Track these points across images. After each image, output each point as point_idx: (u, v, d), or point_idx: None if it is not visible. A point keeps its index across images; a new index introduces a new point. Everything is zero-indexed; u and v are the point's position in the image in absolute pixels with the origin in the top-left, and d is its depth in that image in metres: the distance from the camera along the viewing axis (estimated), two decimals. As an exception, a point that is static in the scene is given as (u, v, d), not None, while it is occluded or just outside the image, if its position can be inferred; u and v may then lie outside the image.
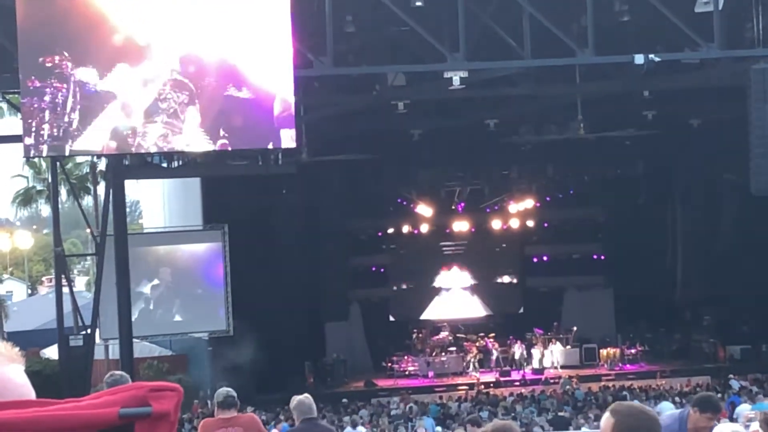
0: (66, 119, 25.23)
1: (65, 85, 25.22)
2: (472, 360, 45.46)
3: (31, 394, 2.25)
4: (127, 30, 25.67)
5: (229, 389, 10.81)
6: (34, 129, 25.21)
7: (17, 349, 2.34)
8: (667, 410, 28.89)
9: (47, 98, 25.14)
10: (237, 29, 26.25)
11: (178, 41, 26.17)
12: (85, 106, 25.44)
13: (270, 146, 27.82)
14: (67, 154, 26.75)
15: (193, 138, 26.48)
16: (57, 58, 25.12)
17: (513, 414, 33.10)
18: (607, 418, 4.64)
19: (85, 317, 33.93)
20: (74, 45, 25.40)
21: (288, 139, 27.06)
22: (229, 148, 27.54)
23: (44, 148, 25.76)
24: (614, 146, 43.71)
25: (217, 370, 41.15)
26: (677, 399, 33.59)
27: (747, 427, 10.12)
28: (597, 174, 47.93)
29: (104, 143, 26.01)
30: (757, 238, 43.47)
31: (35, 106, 25.18)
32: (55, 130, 25.27)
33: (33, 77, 25.16)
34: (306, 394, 11.11)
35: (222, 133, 26.43)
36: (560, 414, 32.54)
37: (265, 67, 26.42)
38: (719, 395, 34.24)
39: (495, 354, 45.96)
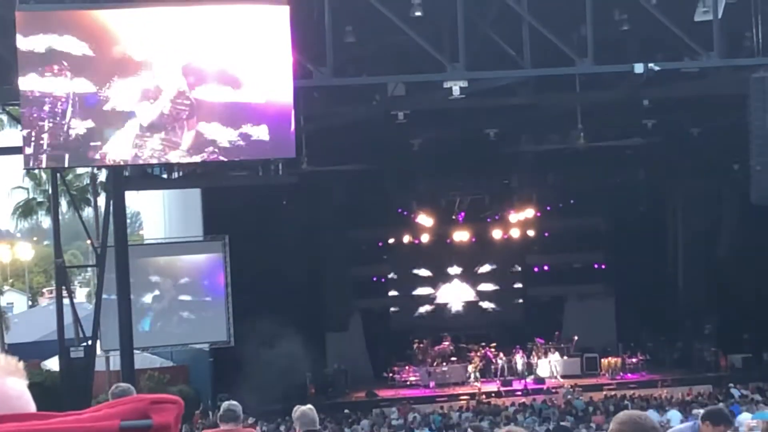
0: (65, 129, 25.19)
1: (64, 95, 25.20)
2: (474, 370, 45.43)
3: (28, 406, 2.24)
4: (126, 42, 25.66)
5: (231, 402, 10.89)
6: (33, 139, 25.18)
7: (19, 362, 2.33)
8: (675, 419, 28.89)
9: (47, 108, 25.10)
10: (237, 40, 26.25)
11: (178, 53, 26.17)
12: (85, 116, 25.42)
13: (270, 156, 27.80)
14: (66, 164, 26.70)
15: (191, 149, 26.45)
16: (56, 68, 25.10)
17: (514, 424, 33.06)
18: (610, 426, 4.73)
19: (86, 329, 33.93)
20: (74, 56, 25.39)
21: (288, 149, 27.04)
22: (225, 159, 27.49)
23: (43, 157, 25.72)
24: (614, 155, 43.74)
25: (218, 381, 41.15)
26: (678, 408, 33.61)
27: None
28: (597, 183, 47.89)
29: (103, 153, 25.98)
30: (758, 246, 43.48)
31: (34, 116, 25.15)
32: (54, 139, 25.24)
33: (32, 87, 25.15)
34: (310, 406, 11.16)
35: (220, 143, 26.40)
36: (562, 423, 32.51)
37: (265, 78, 26.42)
38: (721, 404, 34.27)
39: (497, 363, 45.94)
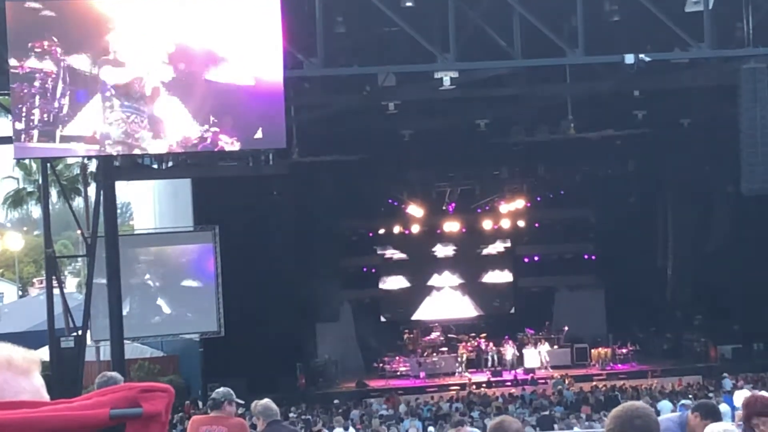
0: (56, 105, 25.21)
1: (55, 71, 25.18)
2: (461, 360, 45.44)
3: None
4: (117, 27, 25.62)
5: (219, 390, 10.94)
6: (24, 114, 25.18)
7: (34, 356, 2.32)
8: (666, 410, 28.87)
9: (37, 84, 25.11)
10: (227, 30, 26.21)
11: (169, 41, 26.12)
12: (75, 92, 25.40)
13: (260, 147, 27.76)
14: (57, 140, 26.45)
15: (179, 139, 26.42)
16: (46, 43, 25.08)
17: (505, 414, 33.06)
18: (609, 415, 4.75)
19: (76, 319, 33.86)
20: (65, 33, 25.37)
21: (278, 139, 27.00)
22: (214, 149, 27.43)
23: (35, 133, 25.67)
24: (605, 146, 43.74)
25: (208, 370, 41.15)
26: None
27: (740, 426, 10.13)
28: (588, 174, 47.95)
29: (93, 131, 25.87)
30: (747, 237, 43.57)
31: (25, 91, 25.16)
32: (45, 115, 25.24)
33: (23, 62, 25.12)
34: (268, 399, 11.51)
35: (212, 128, 26.34)
36: (543, 413, 32.58)
37: (255, 68, 26.37)
38: (711, 394, 34.33)
39: (487, 354, 45.97)
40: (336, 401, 38.80)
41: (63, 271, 65.98)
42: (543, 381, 42.45)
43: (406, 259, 50.75)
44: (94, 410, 2.11)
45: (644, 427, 4.61)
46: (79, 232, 38.12)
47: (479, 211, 50.63)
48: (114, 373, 9.72)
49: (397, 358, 45.91)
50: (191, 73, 26.15)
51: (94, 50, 25.61)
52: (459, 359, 45.57)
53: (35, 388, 2.26)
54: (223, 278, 38.62)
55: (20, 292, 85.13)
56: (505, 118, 40.24)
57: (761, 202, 32.64)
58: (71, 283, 76.82)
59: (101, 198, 33.21)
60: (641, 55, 27.42)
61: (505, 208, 50.08)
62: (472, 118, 39.05)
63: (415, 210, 48.83)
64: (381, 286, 50.89)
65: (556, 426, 30.02)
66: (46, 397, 2.27)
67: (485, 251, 51.43)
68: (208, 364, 41.61)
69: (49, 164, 35.57)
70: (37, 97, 25.13)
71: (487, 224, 50.56)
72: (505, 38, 27.97)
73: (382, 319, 50.80)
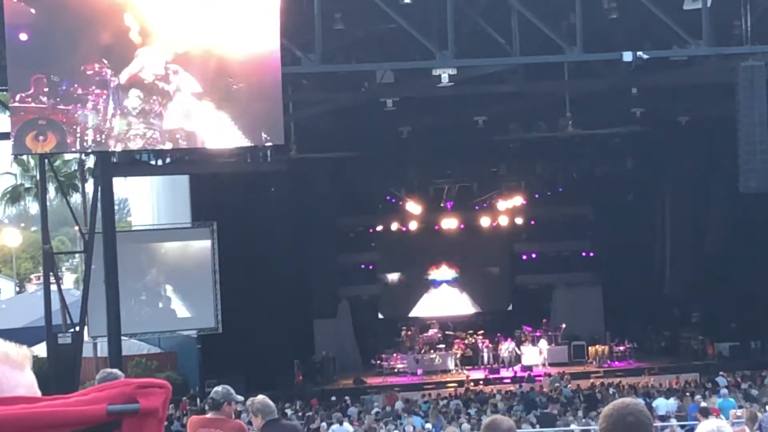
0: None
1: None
2: (455, 357, 45.49)
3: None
4: (117, 28, 25.69)
5: (217, 389, 10.76)
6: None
7: (26, 351, 2.32)
8: (662, 407, 28.82)
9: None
10: (227, 26, 26.18)
11: (168, 40, 26.10)
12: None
13: (258, 143, 27.79)
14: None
15: (179, 136, 26.47)
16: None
17: (502, 411, 33.10)
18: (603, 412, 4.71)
19: (74, 315, 33.85)
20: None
21: (276, 135, 27.00)
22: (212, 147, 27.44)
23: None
24: (603, 143, 43.78)
25: (205, 367, 41.18)
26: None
27: (734, 424, 10.14)
28: (586, 171, 47.95)
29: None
30: (745, 235, 43.60)
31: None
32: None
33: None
34: (264, 396, 11.34)
35: (208, 130, 26.37)
36: (546, 411, 32.58)
37: (254, 64, 26.36)
38: (707, 392, 34.36)
39: (484, 351, 46.02)
40: (333, 398, 38.83)
41: (60, 267, 66.00)
42: (540, 378, 42.48)
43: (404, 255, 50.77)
44: (91, 406, 2.11)
45: (637, 423, 4.59)
46: (76, 228, 38.17)
47: (477, 208, 50.66)
48: (114, 370, 9.71)
49: (395, 354, 45.96)
50: (191, 76, 26.22)
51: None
52: (454, 356, 45.64)
53: (30, 382, 2.26)
54: (221, 274, 38.63)
55: (17, 288, 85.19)
56: (503, 115, 40.21)
57: (759, 201, 32.67)
58: (69, 279, 76.93)
59: (99, 194, 33.20)
60: (639, 53, 27.39)
61: (503, 205, 50.12)
62: (470, 115, 39.01)
63: (413, 207, 48.85)
64: (379, 282, 50.91)
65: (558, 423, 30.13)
66: (39, 393, 2.27)
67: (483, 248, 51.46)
68: (206, 361, 41.65)
69: (46, 160, 35.57)
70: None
71: (485, 221, 50.59)
72: (503, 35, 27.95)
73: (380, 315, 50.83)
